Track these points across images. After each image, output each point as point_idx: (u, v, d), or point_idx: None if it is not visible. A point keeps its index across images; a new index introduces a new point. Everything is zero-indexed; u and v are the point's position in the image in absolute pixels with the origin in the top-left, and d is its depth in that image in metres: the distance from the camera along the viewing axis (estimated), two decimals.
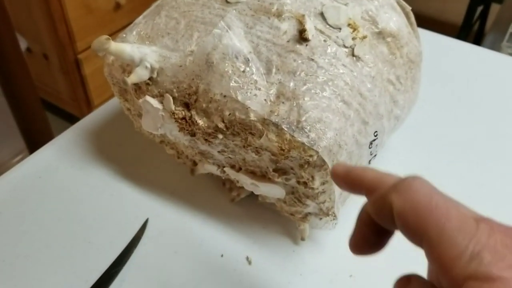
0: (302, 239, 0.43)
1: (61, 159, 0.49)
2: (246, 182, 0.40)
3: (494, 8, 1.74)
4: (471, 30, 1.75)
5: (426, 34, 0.69)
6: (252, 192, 0.45)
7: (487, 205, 0.46)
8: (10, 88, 1.05)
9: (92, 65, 1.44)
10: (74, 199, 0.46)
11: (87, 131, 0.52)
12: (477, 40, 1.83)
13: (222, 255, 0.42)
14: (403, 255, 0.42)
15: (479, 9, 1.71)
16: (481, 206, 0.46)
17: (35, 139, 1.17)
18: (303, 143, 0.34)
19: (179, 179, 0.48)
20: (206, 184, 0.47)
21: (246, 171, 0.40)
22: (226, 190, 0.47)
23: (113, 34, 1.48)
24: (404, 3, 0.42)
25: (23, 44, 1.39)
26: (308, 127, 0.34)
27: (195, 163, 0.45)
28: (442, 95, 0.59)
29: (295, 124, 0.35)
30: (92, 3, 1.36)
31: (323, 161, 0.35)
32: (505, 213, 0.45)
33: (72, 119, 1.61)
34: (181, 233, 0.43)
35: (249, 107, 0.35)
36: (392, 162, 0.50)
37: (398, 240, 0.43)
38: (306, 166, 0.35)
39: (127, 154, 0.50)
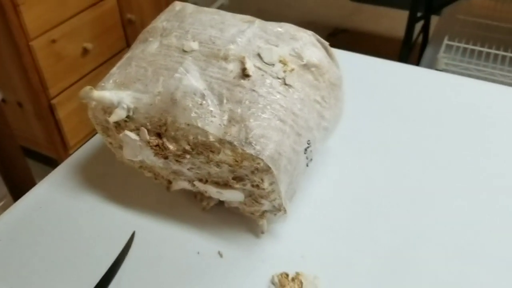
0: (262, 232, 0.53)
1: (57, 191, 0.58)
2: (213, 191, 0.51)
3: (435, 20, 1.91)
4: (414, 44, 1.91)
5: (360, 58, 0.81)
6: (219, 201, 0.55)
7: (411, 196, 0.58)
8: None
9: (65, 109, 1.53)
10: (71, 222, 0.55)
11: (76, 166, 0.62)
12: (422, 52, 1.99)
13: (198, 253, 0.51)
14: (346, 237, 0.53)
15: (422, 22, 1.87)
16: (404, 197, 0.58)
17: (16, 184, 1.24)
18: (251, 154, 0.45)
19: (158, 197, 0.57)
20: (180, 198, 0.57)
21: (211, 182, 0.50)
22: (198, 201, 0.56)
23: (83, 78, 1.57)
24: (322, 40, 0.53)
25: None
26: (254, 142, 0.45)
27: (169, 182, 0.55)
28: (373, 108, 0.70)
29: (244, 140, 0.45)
30: (62, 51, 1.46)
31: (268, 166, 0.45)
32: (424, 205, 0.57)
33: (50, 162, 1.68)
34: (163, 239, 0.53)
35: (208, 131, 0.46)
36: (332, 164, 0.61)
37: (342, 224, 0.54)
38: (256, 171, 0.46)
39: (112, 181, 0.60)
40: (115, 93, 0.49)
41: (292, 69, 0.50)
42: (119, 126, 0.50)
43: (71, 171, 0.61)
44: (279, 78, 0.49)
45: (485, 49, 1.36)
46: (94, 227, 0.54)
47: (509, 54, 1.34)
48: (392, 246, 0.52)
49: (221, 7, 2.44)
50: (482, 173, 0.60)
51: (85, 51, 1.54)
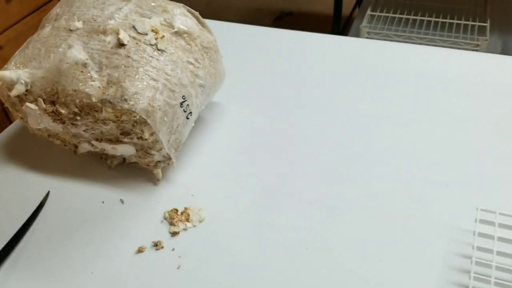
0: (158, 180, 0.61)
1: None
2: (108, 147, 0.59)
3: None
4: (350, 18, 2.01)
5: (288, 33, 0.90)
6: (123, 160, 0.63)
7: (287, 140, 0.67)
8: None
9: None
10: None
11: None
12: None
13: (103, 202, 0.60)
14: (230, 178, 0.62)
15: None
16: (280, 141, 0.67)
17: None
18: (127, 109, 0.53)
19: (68, 161, 0.66)
20: (89, 160, 0.65)
21: (106, 140, 0.59)
22: (103, 161, 0.65)
23: None
24: (193, 10, 0.62)
25: None
26: (129, 98, 0.53)
27: (76, 146, 0.63)
28: (263, 72, 0.79)
29: (120, 98, 0.53)
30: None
31: (144, 118, 0.54)
32: (297, 145, 0.66)
33: None
34: (73, 194, 0.61)
35: (90, 94, 0.54)
36: (222, 120, 0.70)
37: (227, 168, 0.63)
38: (135, 124, 0.54)
39: (28, 153, 0.67)
40: (14, 72, 0.57)
41: (163, 36, 0.58)
42: (21, 100, 0.58)
43: None
44: (151, 45, 0.57)
45: (404, 16, 1.46)
46: (13, 192, 0.62)
47: (426, 18, 1.44)
48: (269, 180, 0.61)
49: None
50: (351, 112, 0.69)
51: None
